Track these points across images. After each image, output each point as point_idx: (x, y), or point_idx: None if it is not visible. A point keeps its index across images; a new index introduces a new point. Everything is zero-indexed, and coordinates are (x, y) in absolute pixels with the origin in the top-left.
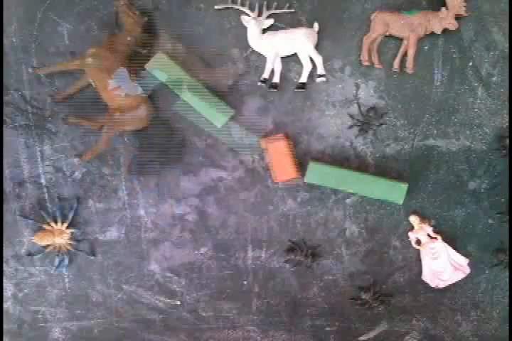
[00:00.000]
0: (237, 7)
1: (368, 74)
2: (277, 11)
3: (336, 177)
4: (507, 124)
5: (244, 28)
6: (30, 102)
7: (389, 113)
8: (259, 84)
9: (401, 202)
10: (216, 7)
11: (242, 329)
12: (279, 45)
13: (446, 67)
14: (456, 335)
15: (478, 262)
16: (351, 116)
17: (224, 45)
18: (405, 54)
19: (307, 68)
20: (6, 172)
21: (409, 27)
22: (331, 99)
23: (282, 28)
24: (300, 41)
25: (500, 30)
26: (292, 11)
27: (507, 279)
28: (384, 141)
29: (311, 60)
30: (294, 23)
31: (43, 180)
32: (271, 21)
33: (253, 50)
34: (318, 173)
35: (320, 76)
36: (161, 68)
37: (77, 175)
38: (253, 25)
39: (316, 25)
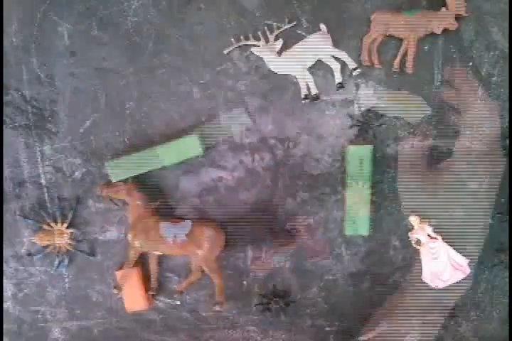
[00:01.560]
0: (243, 44)
1: (368, 74)
2: (281, 30)
3: (135, 163)
4: (507, 124)
5: (244, 28)
6: (30, 102)
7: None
8: (303, 101)
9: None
10: (225, 52)
11: (242, 329)
12: (301, 60)
13: (446, 67)
14: (456, 335)
15: (478, 262)
16: (351, 116)
17: (224, 45)
18: (405, 54)
19: (336, 67)
20: (6, 172)
21: (409, 27)
22: (331, 99)
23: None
24: (317, 47)
25: (500, 30)
26: (294, 24)
27: (507, 279)
28: (384, 141)
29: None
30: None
31: (43, 180)
32: (281, 42)
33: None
34: (120, 168)
35: (354, 69)
36: None
37: (77, 175)
38: (267, 52)
39: (322, 26)
